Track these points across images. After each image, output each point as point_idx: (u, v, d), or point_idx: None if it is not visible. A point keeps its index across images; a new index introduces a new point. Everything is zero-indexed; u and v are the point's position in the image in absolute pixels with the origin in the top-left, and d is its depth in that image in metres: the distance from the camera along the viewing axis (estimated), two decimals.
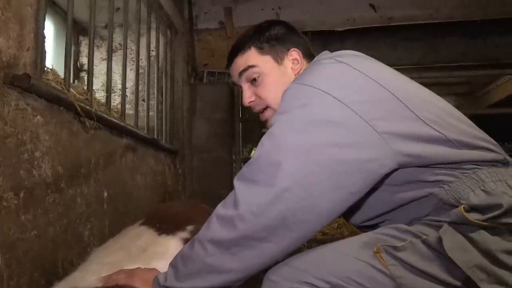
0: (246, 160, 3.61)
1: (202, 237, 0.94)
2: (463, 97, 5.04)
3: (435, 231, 0.88)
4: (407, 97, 0.96)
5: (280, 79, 1.19)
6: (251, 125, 4.06)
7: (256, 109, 1.25)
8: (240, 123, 3.40)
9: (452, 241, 0.83)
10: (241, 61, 1.21)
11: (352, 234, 2.02)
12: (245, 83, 1.23)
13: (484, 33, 3.45)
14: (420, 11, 3.24)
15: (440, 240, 0.85)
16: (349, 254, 0.91)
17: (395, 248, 0.88)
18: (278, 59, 1.20)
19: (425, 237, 0.89)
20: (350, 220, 1.10)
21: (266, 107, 1.22)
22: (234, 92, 3.38)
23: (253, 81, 1.21)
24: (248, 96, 1.23)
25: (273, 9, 3.26)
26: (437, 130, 0.93)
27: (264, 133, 1.20)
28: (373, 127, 0.90)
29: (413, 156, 0.91)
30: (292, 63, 1.21)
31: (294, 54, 1.21)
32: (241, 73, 1.22)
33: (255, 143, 4.57)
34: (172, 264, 0.98)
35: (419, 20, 3.27)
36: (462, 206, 0.85)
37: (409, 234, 0.91)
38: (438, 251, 0.86)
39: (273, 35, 1.21)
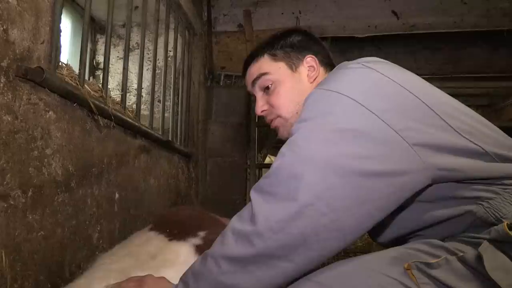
0: (260, 166, 3.55)
1: (215, 252, 0.87)
2: (483, 109, 4.90)
3: (473, 249, 0.81)
4: (438, 105, 0.88)
5: (294, 86, 1.14)
6: (267, 130, 4.00)
7: (268, 118, 1.21)
8: (257, 128, 3.34)
9: (494, 260, 0.75)
10: (254, 69, 1.19)
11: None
12: (258, 92, 1.20)
13: (508, 43, 3.36)
14: (444, 19, 3.16)
15: (479, 258, 0.77)
16: (377, 270, 0.84)
17: (428, 265, 0.81)
18: (293, 66, 1.16)
19: (461, 254, 0.81)
20: (376, 238, 1.03)
21: (278, 116, 1.17)
22: (251, 97, 3.32)
23: (266, 89, 1.17)
24: (260, 105, 1.19)
25: (293, 13, 3.20)
26: (473, 142, 0.86)
27: (280, 139, 1.14)
28: (403, 137, 0.82)
29: (448, 171, 0.84)
30: (308, 70, 1.16)
31: (310, 60, 1.16)
32: (254, 82, 1.19)
33: (270, 148, 4.50)
34: (183, 280, 0.92)
35: (442, 29, 3.19)
36: (505, 222, 0.77)
37: (444, 250, 0.84)
38: (476, 270, 0.78)
39: (288, 42, 1.17)
